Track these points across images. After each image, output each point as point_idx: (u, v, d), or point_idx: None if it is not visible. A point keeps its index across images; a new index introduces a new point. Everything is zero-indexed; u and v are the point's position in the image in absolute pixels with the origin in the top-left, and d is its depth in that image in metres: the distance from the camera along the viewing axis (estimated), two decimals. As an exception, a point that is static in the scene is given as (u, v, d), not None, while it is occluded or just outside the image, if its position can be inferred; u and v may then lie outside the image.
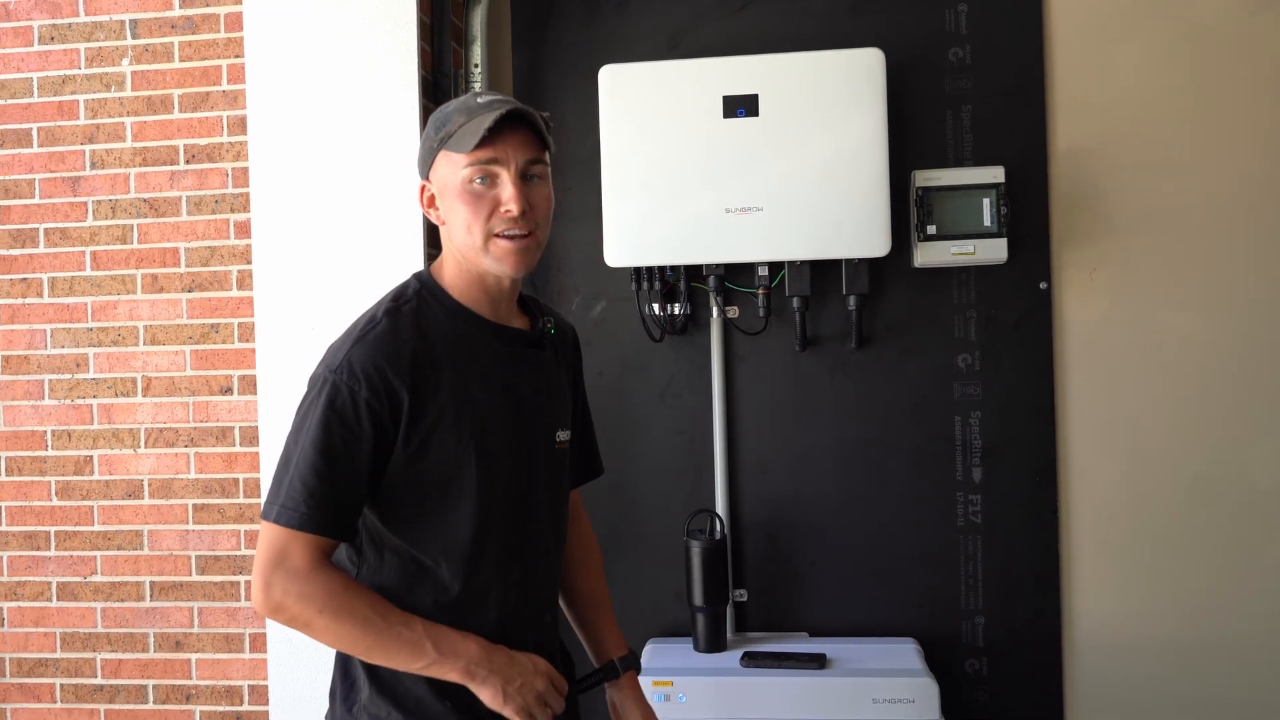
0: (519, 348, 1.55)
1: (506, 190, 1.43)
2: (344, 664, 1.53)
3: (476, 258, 1.46)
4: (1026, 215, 2.42)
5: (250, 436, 2.52)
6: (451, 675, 1.43)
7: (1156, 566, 2.43)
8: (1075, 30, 2.44)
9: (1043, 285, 2.43)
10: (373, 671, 1.48)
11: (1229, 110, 2.40)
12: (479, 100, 1.47)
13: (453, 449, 1.45)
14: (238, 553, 2.54)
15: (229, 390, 2.55)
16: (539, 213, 1.47)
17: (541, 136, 1.47)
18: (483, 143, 1.40)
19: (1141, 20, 2.42)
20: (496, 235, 1.44)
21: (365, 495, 1.43)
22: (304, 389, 1.47)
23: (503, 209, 1.43)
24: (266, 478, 2.37)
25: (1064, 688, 2.44)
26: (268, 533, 1.40)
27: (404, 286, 1.53)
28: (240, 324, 2.53)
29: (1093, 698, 2.43)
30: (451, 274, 1.51)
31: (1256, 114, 2.40)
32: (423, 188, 1.52)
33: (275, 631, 2.36)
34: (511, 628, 1.51)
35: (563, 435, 1.61)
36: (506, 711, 1.45)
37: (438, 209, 1.50)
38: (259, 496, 2.48)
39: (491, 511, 1.48)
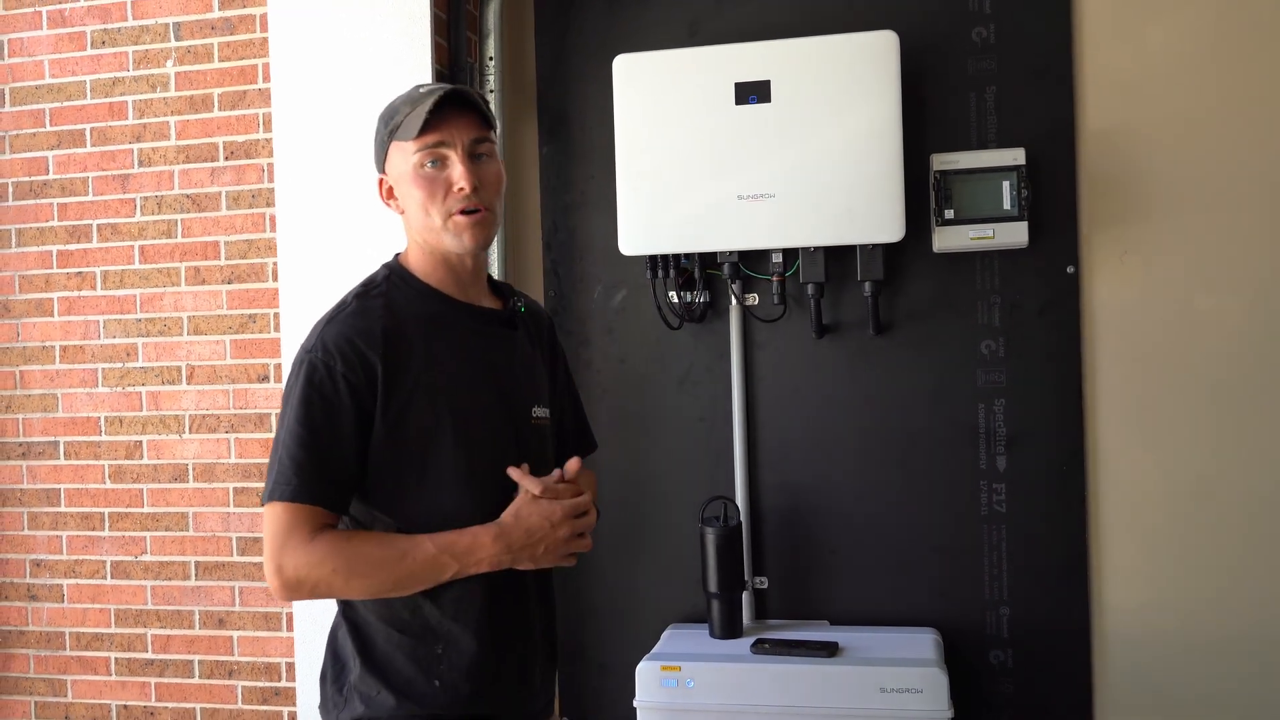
0: (492, 326, 1.61)
1: (456, 170, 1.50)
2: (333, 646, 1.59)
3: (437, 239, 1.53)
4: (1052, 198, 2.36)
5: (284, 423, 2.62)
6: (482, 569, 1.47)
7: (1189, 557, 2.35)
8: (1104, 7, 2.36)
9: (1070, 269, 2.37)
10: (363, 650, 1.53)
11: (1264, 88, 2.30)
12: (421, 90, 1.53)
13: (429, 419, 1.49)
14: (275, 535, 2.64)
15: (266, 378, 2.64)
16: (490, 189, 1.53)
17: (484, 116, 1.52)
18: (428, 127, 1.47)
19: (1178, -7, 2.34)
20: (454, 214, 1.51)
21: (354, 471, 1.47)
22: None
23: (455, 188, 1.50)
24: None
25: (1093, 680, 2.38)
26: (268, 516, 1.45)
27: (373, 275, 1.59)
28: (274, 314, 2.63)
29: (1122, 691, 2.37)
30: (417, 259, 1.57)
31: (1298, 88, 2.30)
32: (380, 181, 1.58)
33: (300, 610, 2.45)
34: (497, 600, 1.54)
35: (540, 411, 1.64)
36: (546, 563, 1.53)
37: (396, 199, 1.56)
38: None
39: (471, 482, 1.52)
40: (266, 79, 2.62)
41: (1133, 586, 2.37)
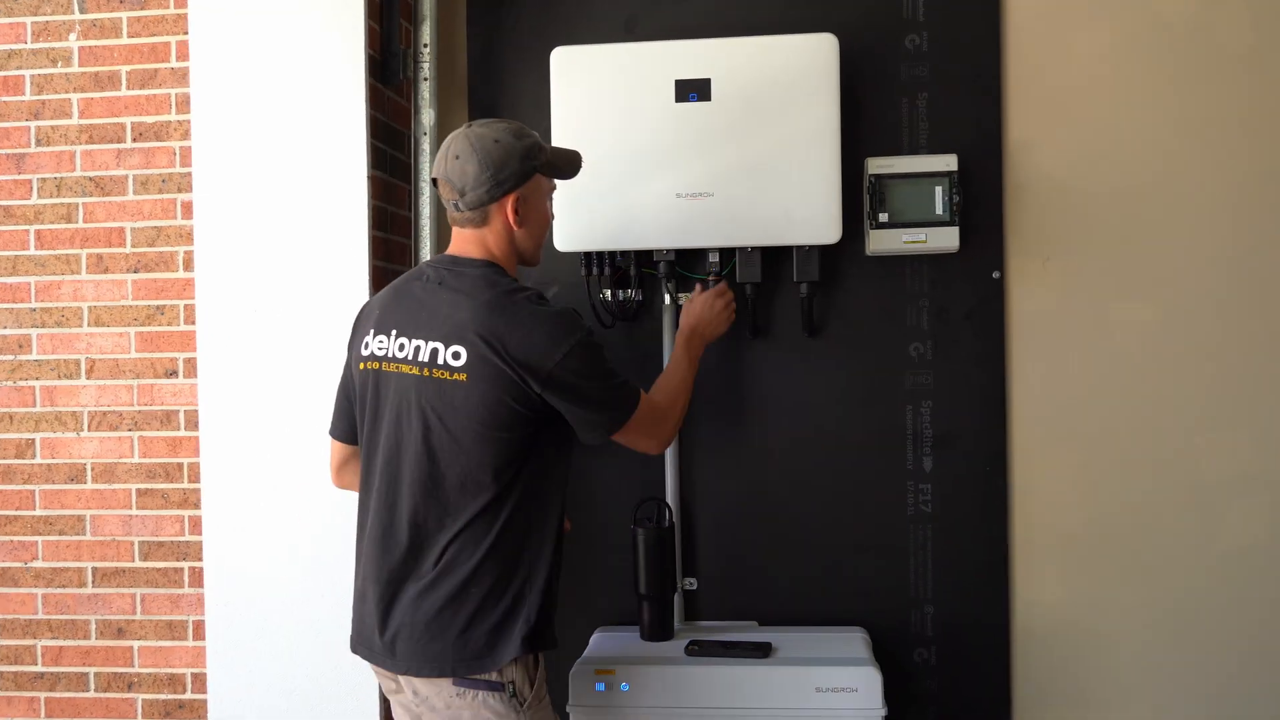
0: None
1: (550, 206, 2.02)
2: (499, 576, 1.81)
3: (534, 256, 1.94)
4: (981, 204, 2.42)
5: (196, 420, 2.49)
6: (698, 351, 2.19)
7: (1105, 556, 2.43)
8: (1033, 19, 2.43)
9: (995, 274, 2.42)
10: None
11: (1184, 102, 2.40)
12: (539, 135, 1.91)
13: None
14: (181, 538, 2.51)
15: (174, 373, 2.51)
16: None
17: None
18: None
19: (1099, 10, 2.42)
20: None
21: None
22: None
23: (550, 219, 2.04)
24: (209, 461, 2.34)
25: (1011, 676, 2.44)
26: (647, 404, 1.93)
27: (502, 275, 1.86)
28: (186, 306, 2.50)
29: (1040, 686, 2.44)
30: (509, 266, 1.90)
31: (1211, 106, 2.40)
32: (515, 196, 1.85)
33: (215, 618, 2.33)
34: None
35: None
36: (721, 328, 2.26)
37: (518, 214, 1.86)
38: (201, 481, 2.44)
39: None
40: (181, 57, 2.49)
41: (1050, 583, 2.44)
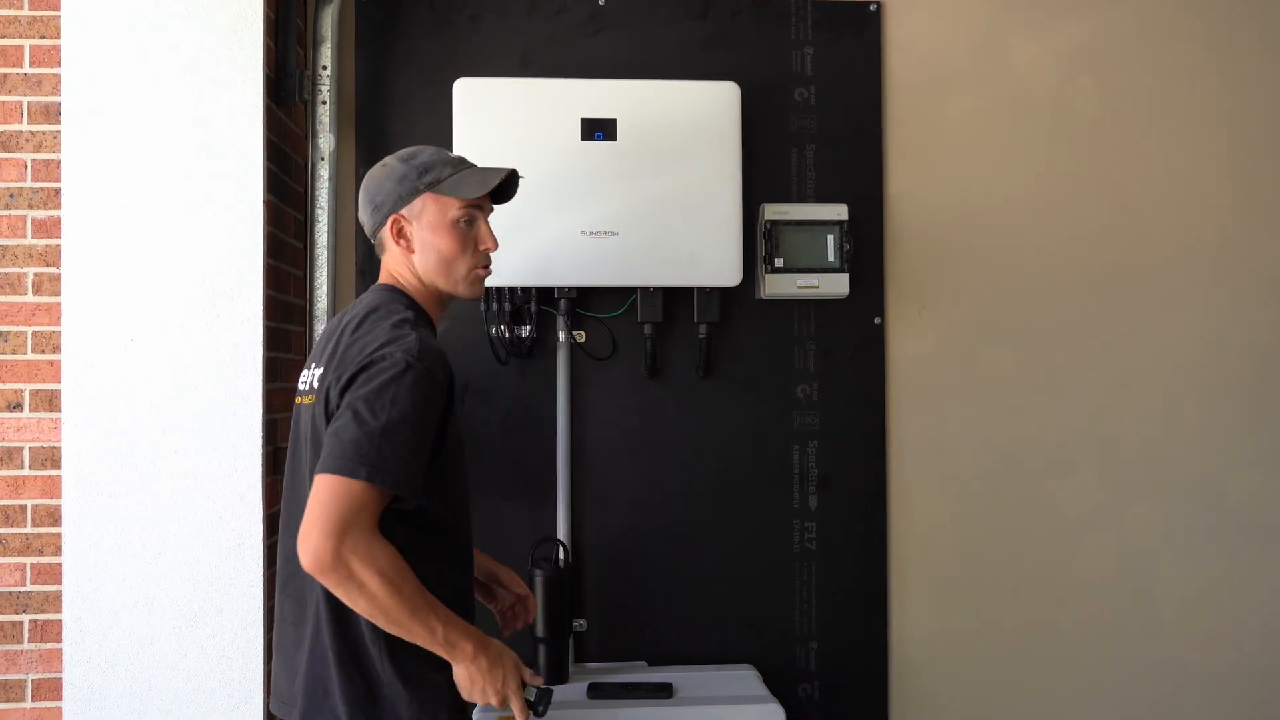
0: None
1: (483, 230, 1.80)
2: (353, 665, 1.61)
3: (453, 286, 1.78)
4: (863, 253, 2.52)
5: (44, 458, 2.26)
6: (446, 655, 1.59)
7: (972, 589, 2.57)
8: (909, 81, 2.58)
9: (876, 320, 2.53)
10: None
11: (1045, 165, 2.60)
12: (454, 155, 1.81)
13: (460, 436, 1.77)
14: (22, 589, 2.26)
15: (19, 406, 2.28)
16: None
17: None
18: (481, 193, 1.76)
19: (969, 77, 2.59)
20: (476, 268, 1.80)
21: (423, 468, 1.59)
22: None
23: (482, 246, 1.80)
24: (72, 501, 2.13)
25: (889, 708, 2.52)
26: (341, 489, 1.48)
27: (396, 299, 1.73)
28: (36, 333, 2.27)
29: (917, 714, 2.53)
30: (416, 295, 1.77)
31: (1068, 170, 2.60)
32: (394, 220, 1.76)
33: (76, 678, 2.10)
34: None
35: None
36: (474, 697, 1.63)
37: (406, 240, 1.76)
38: (51, 525, 2.22)
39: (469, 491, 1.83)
40: (36, 63, 2.28)
41: (923, 615, 2.55)
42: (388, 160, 1.80)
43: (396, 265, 1.79)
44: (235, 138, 2.11)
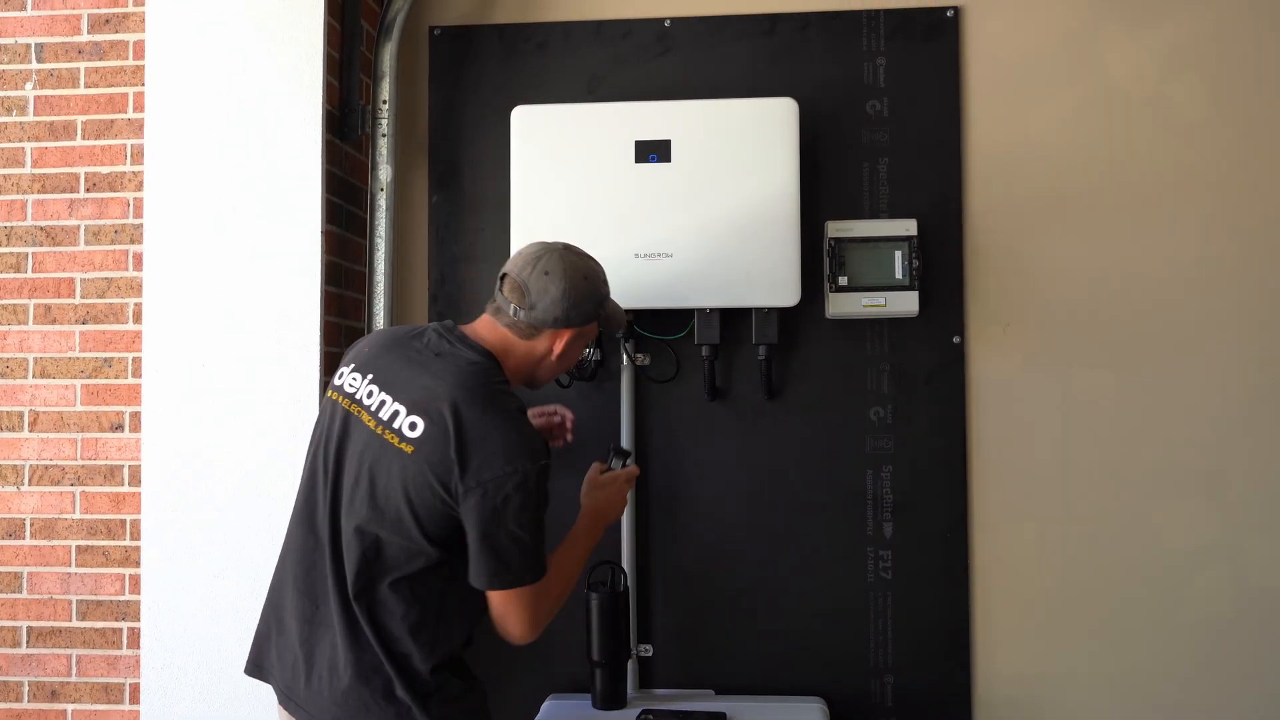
0: None
1: None
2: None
3: (539, 385, 1.95)
4: (941, 269, 2.41)
5: (139, 476, 2.42)
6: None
7: (1066, 625, 2.39)
8: (991, 88, 2.45)
9: (956, 339, 2.41)
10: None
11: (1139, 172, 2.42)
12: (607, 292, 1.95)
13: None
14: (121, 597, 2.43)
15: (120, 427, 2.45)
16: None
17: None
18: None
19: (1057, 81, 2.44)
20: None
21: None
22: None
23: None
24: (150, 518, 2.27)
25: (973, 750, 2.39)
26: (527, 594, 1.78)
27: (496, 372, 1.81)
28: (134, 358, 2.44)
29: (1001, 761, 2.38)
30: (507, 370, 1.85)
31: (1166, 177, 2.41)
32: (575, 332, 1.86)
33: (150, 683, 2.24)
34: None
35: None
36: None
37: (565, 349, 1.87)
38: (142, 539, 2.37)
39: None
40: (138, 108, 2.46)
41: (1012, 653, 2.40)
42: (589, 273, 1.87)
43: (526, 352, 1.86)
44: (298, 173, 2.22)
